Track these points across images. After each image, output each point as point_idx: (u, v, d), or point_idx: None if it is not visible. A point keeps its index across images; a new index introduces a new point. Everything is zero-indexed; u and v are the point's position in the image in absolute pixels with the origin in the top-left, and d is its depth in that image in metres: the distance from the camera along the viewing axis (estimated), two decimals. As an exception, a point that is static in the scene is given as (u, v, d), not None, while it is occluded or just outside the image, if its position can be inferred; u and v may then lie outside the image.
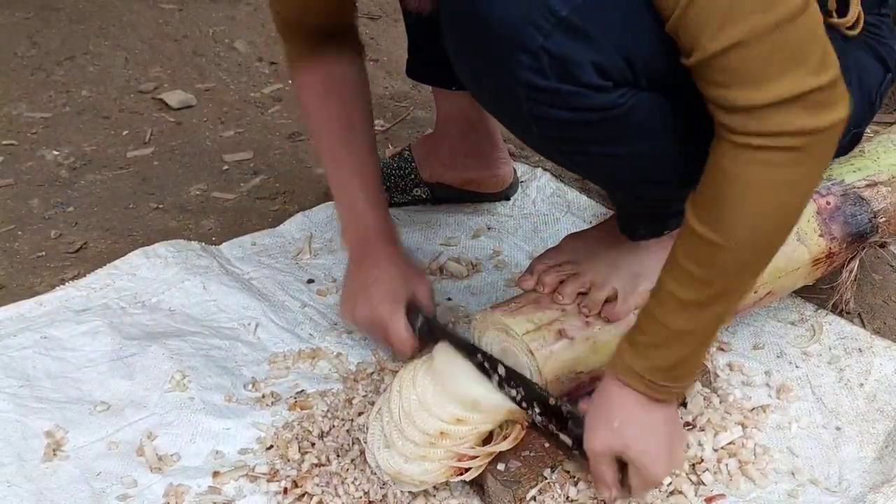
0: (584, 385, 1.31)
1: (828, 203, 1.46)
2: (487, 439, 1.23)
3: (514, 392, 1.21)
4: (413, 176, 1.84)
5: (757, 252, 1.02)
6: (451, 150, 1.80)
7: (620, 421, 1.10)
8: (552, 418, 1.19)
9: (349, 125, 1.46)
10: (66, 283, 1.64)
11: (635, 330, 1.10)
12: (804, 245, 1.42)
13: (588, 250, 1.35)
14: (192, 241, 1.76)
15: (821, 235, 1.44)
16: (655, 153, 1.08)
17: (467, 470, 1.21)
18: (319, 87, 1.46)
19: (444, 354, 1.26)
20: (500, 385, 1.22)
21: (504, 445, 1.21)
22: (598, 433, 1.12)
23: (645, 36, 0.98)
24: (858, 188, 1.49)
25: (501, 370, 1.22)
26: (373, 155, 1.48)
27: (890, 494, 1.21)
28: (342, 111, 1.46)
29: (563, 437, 1.18)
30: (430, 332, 1.37)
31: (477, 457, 1.20)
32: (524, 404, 1.20)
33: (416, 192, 1.85)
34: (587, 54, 0.96)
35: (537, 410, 1.19)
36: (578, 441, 1.15)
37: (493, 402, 1.21)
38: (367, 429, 1.26)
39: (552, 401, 1.19)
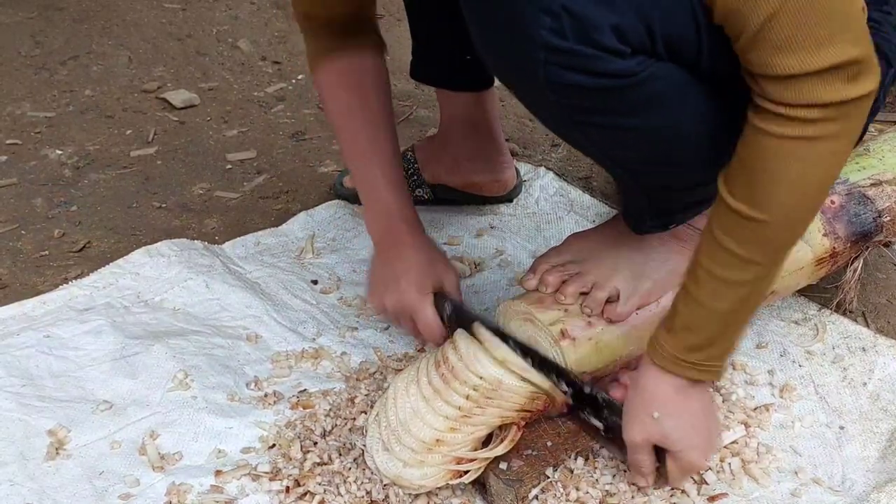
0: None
1: (832, 202, 1.45)
2: (486, 442, 1.23)
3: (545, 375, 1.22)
4: (416, 177, 1.83)
5: (798, 225, 1.04)
6: (453, 154, 1.80)
7: (660, 412, 1.14)
8: (585, 405, 1.21)
9: (369, 116, 1.44)
10: (70, 282, 1.65)
11: (672, 313, 1.11)
12: (808, 245, 1.41)
13: (591, 250, 1.35)
14: (195, 241, 1.76)
15: (825, 235, 1.43)
16: (670, 129, 1.08)
17: (466, 472, 1.21)
18: (338, 79, 1.45)
19: (464, 338, 1.25)
20: (533, 366, 1.22)
21: (501, 449, 1.21)
22: (637, 424, 1.16)
23: (665, 3, 0.98)
24: (863, 187, 1.48)
25: (533, 355, 1.22)
26: (394, 145, 1.46)
27: (894, 493, 1.20)
28: (362, 102, 1.44)
29: (594, 421, 1.21)
30: (459, 319, 1.35)
31: (475, 460, 1.20)
32: (557, 386, 1.22)
33: (419, 192, 1.84)
34: (608, 17, 0.96)
35: (569, 392, 1.22)
36: (610, 429, 1.19)
37: (516, 383, 1.21)
38: (367, 432, 1.26)
39: (587, 389, 1.21)
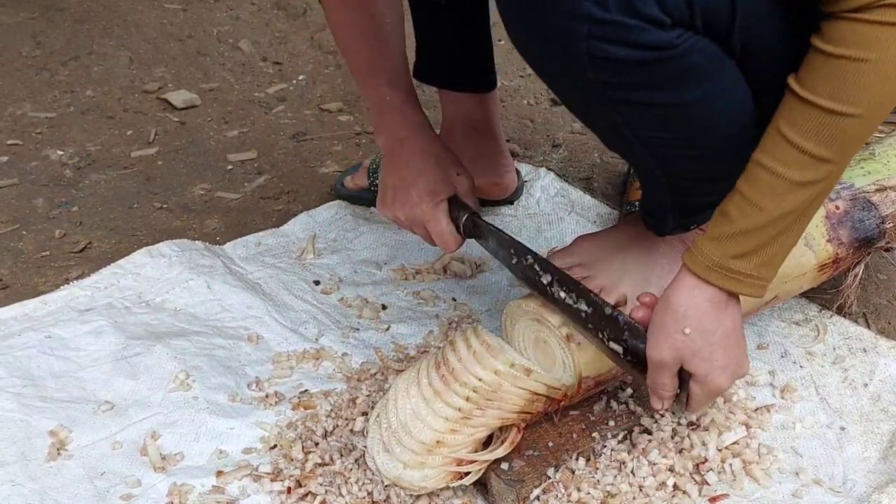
0: (588, 390, 1.30)
1: (837, 208, 1.44)
2: (486, 443, 1.23)
3: (563, 294, 1.19)
4: None
5: (883, 117, 1.00)
6: None
7: (692, 328, 1.08)
8: (605, 327, 1.17)
9: (375, 25, 1.40)
10: (71, 283, 1.65)
11: (719, 221, 1.06)
12: (812, 250, 1.41)
13: (599, 253, 1.34)
14: (196, 241, 1.76)
15: (829, 241, 1.42)
16: (704, 106, 1.06)
17: (467, 474, 1.21)
18: None
19: (464, 340, 1.25)
20: (551, 286, 1.20)
21: (501, 451, 1.21)
22: (666, 341, 1.10)
23: None
24: (868, 193, 1.47)
25: (554, 272, 1.20)
26: (402, 56, 1.42)
27: (894, 494, 1.20)
28: (369, 16, 1.40)
29: (613, 345, 1.16)
30: (475, 228, 1.34)
31: (475, 461, 1.20)
32: (574, 306, 1.18)
33: None
34: None
35: (587, 310, 1.18)
36: (631, 352, 1.14)
37: (543, 376, 1.22)
38: (367, 433, 1.26)
39: (608, 310, 1.17)
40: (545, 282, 1.21)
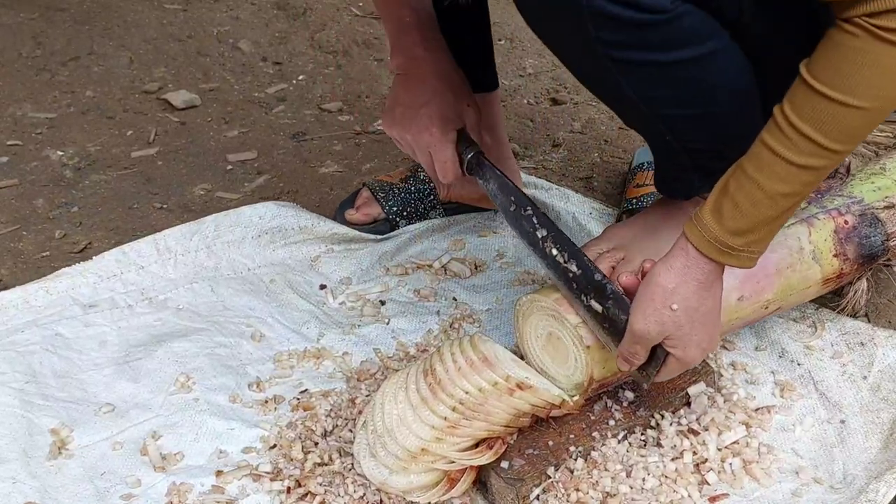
0: (592, 390, 1.30)
1: (846, 222, 1.44)
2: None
3: (555, 251, 1.19)
4: (432, 198, 1.80)
5: (882, 114, 1.02)
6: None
7: (679, 305, 1.10)
8: (591, 291, 1.17)
9: None
10: (73, 265, 1.64)
11: (719, 197, 1.07)
12: (818, 264, 1.41)
13: (631, 237, 1.36)
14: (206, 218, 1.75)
15: (835, 256, 1.43)
16: (701, 69, 1.10)
17: (454, 485, 1.21)
18: None
19: (449, 352, 1.26)
20: (545, 241, 1.19)
21: (485, 458, 1.21)
22: (654, 314, 1.12)
23: None
24: (876, 209, 1.48)
25: (551, 228, 1.20)
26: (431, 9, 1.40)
27: (892, 482, 1.20)
28: None
29: (595, 305, 1.16)
30: (479, 167, 1.33)
31: (455, 462, 1.21)
32: (564, 265, 1.18)
33: (432, 214, 1.82)
34: None
35: (576, 272, 1.18)
36: (610, 319, 1.15)
37: (541, 384, 1.22)
38: (355, 438, 1.26)
39: (597, 276, 1.17)
40: (539, 235, 1.20)
